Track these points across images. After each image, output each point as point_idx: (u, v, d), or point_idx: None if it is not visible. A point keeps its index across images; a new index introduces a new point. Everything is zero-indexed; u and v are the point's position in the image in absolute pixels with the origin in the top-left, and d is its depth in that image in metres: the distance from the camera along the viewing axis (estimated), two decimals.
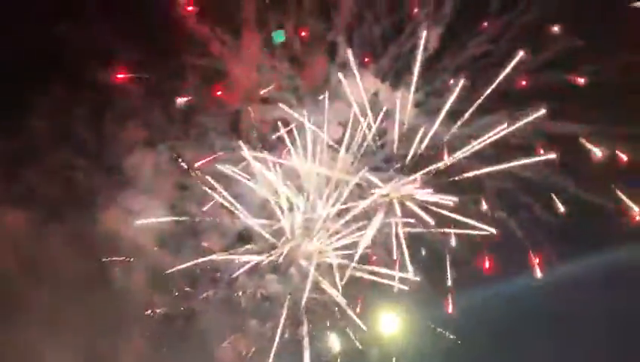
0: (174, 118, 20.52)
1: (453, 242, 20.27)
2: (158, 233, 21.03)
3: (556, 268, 20.51)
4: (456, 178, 19.27)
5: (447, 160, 19.30)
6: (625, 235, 19.46)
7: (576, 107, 18.17)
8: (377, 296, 21.10)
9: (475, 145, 19.25)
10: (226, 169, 19.97)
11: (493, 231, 19.63)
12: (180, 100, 19.88)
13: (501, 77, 18.40)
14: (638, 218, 19.33)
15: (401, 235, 19.76)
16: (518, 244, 19.87)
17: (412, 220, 19.71)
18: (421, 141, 19.27)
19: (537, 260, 20.15)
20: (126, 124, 20.37)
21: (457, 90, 18.53)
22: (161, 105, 20.42)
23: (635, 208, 19.22)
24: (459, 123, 19.07)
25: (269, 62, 19.89)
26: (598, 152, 18.95)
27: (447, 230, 20.02)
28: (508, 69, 18.29)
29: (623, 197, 19.18)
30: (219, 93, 20.04)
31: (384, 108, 19.39)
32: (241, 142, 20.07)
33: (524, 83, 19.12)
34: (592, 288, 20.43)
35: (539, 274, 20.22)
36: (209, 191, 20.59)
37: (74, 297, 20.03)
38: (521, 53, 18.19)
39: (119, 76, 19.78)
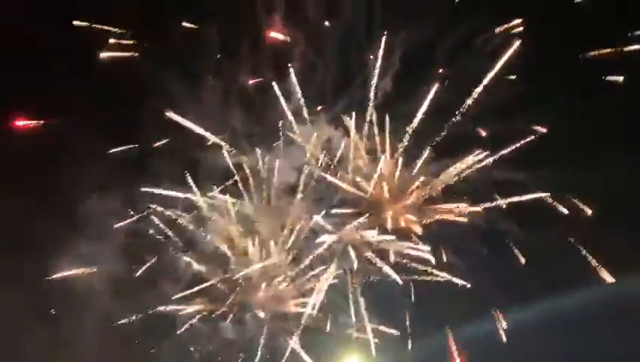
0: (127, 163, 20.19)
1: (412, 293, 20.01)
2: (112, 280, 20.43)
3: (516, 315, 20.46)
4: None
5: (400, 205, 19.26)
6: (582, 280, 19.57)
7: (535, 155, 18.56)
8: (336, 342, 20.73)
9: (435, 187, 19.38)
10: (179, 215, 19.65)
11: (467, 284, 19.51)
12: (116, 150, 19.50)
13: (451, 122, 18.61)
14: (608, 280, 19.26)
15: (356, 282, 19.53)
16: (478, 295, 19.69)
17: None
18: (374, 186, 19.24)
19: (505, 325, 19.94)
20: (77, 169, 19.96)
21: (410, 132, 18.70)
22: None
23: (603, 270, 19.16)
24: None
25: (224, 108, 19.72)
26: (563, 210, 19.04)
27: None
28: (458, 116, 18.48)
29: (586, 254, 19.16)
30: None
31: (338, 154, 19.34)
32: (194, 188, 19.88)
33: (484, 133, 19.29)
34: (551, 334, 20.38)
35: (504, 338, 20.01)
36: (163, 237, 20.33)
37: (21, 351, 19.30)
38: (470, 100, 18.49)
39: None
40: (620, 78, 18.34)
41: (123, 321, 20.21)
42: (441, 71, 19.12)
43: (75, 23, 19.07)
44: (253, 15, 18.82)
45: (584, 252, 18.97)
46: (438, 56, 18.77)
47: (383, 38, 18.79)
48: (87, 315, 20.28)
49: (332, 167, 19.40)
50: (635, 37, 18.06)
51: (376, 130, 19.28)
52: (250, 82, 19.28)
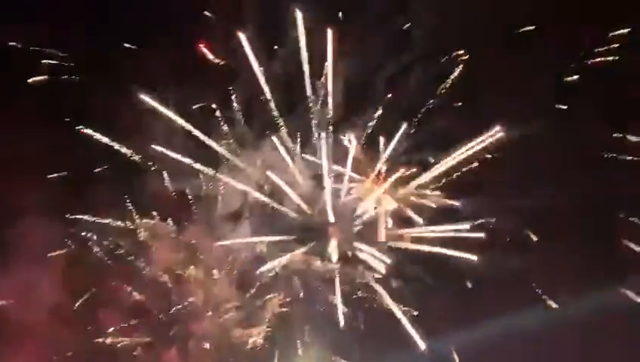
0: (66, 188, 19.48)
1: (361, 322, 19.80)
2: (52, 309, 19.62)
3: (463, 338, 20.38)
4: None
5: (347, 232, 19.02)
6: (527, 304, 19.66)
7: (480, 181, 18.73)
8: None
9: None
10: (117, 245, 19.07)
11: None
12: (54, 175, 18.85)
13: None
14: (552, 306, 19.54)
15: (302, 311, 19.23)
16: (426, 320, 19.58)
17: None
18: (319, 212, 18.97)
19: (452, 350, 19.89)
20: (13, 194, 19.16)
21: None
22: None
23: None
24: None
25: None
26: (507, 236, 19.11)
27: None
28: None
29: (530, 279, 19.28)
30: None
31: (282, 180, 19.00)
32: (135, 214, 19.32)
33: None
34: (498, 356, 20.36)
35: None
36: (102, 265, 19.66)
37: None
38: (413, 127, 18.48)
39: None
40: (564, 107, 18.62)
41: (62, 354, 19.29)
42: (389, 96, 19.07)
43: (10, 44, 18.42)
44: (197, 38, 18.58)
45: (529, 277, 19.05)
46: (383, 83, 18.73)
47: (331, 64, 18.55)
48: (25, 348, 19.48)
49: (275, 193, 19.01)
50: (577, 67, 18.33)
51: (322, 155, 18.93)
52: (194, 107, 18.77)
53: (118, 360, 19.72)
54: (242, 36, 17.57)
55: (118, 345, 19.38)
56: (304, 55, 17.99)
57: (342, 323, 19.05)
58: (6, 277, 19.07)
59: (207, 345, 19.69)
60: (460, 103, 19.08)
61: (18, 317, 19.10)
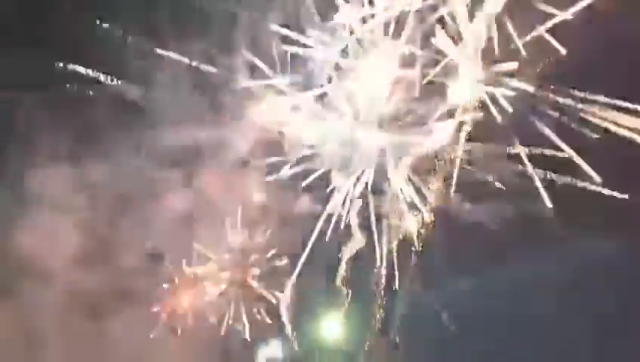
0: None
1: None
2: (71, 253, 20.17)
3: None
4: None
5: None
6: None
7: None
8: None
9: None
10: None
11: None
12: None
13: None
14: None
15: None
16: None
17: None
18: None
19: None
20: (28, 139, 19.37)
21: None
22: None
23: None
24: None
25: None
26: None
27: None
28: None
29: None
30: None
31: None
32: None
33: None
34: None
35: None
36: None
37: None
38: None
39: None
40: None
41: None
42: None
43: None
44: None
45: None
46: None
47: None
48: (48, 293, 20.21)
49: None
50: None
51: None
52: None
53: (138, 300, 20.32)
54: None
55: (137, 286, 19.91)
56: None
57: None
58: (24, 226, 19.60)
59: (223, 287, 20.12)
60: None
61: (38, 264, 19.74)
